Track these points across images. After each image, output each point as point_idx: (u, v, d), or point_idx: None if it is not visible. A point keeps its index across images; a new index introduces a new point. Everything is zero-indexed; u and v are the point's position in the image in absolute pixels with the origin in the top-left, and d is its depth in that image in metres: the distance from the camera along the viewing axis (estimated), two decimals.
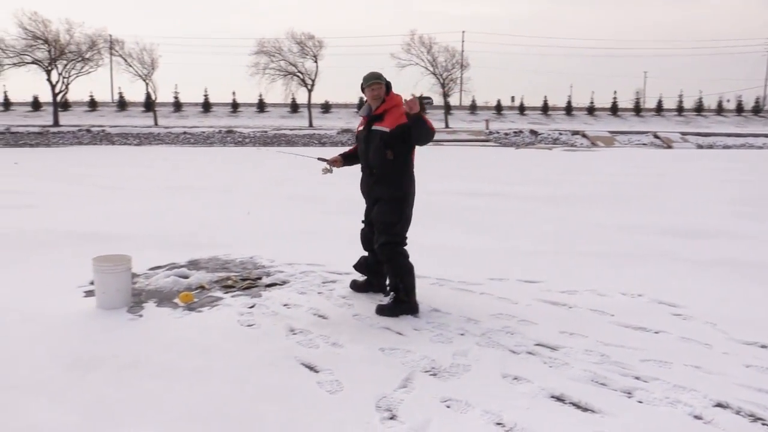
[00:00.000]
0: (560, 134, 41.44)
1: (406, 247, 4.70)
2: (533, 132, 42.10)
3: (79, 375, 3.48)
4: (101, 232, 7.81)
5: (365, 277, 5.09)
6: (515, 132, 42.04)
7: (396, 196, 4.58)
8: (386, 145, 4.48)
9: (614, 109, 54.99)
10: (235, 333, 4.14)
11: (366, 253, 5.01)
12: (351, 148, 5.08)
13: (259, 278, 5.51)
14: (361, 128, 4.73)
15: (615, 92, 56.21)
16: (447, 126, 45.26)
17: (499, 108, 55.23)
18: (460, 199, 11.31)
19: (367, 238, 4.88)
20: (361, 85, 4.57)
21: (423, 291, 5.09)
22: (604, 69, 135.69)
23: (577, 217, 9.27)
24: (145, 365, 3.60)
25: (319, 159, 5.15)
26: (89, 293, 5.05)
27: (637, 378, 3.44)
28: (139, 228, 8.15)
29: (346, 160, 5.00)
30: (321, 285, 5.31)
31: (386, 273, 4.70)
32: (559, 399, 3.21)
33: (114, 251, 6.16)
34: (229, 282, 5.35)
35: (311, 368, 3.56)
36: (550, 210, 10.02)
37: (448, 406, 3.11)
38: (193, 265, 6.02)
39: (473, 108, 54.83)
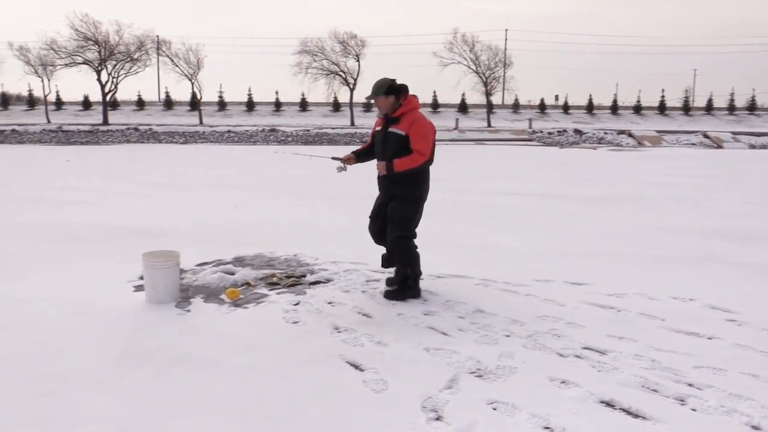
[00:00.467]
0: (605, 133, 40.64)
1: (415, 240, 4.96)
2: (578, 131, 41.38)
3: (131, 367, 3.56)
4: (149, 228, 7.99)
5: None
6: (559, 131, 41.40)
7: (413, 194, 4.78)
8: (403, 148, 4.63)
9: (662, 108, 53.60)
10: (281, 330, 4.17)
11: (380, 247, 5.20)
12: (363, 145, 5.19)
13: (303, 276, 5.54)
14: (378, 128, 4.85)
15: (663, 90, 54.60)
16: (489, 125, 44.89)
17: (542, 107, 54.49)
18: (504, 198, 11.20)
19: (375, 232, 5.08)
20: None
21: (467, 291, 5.07)
22: (652, 66, 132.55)
23: (623, 219, 9.07)
24: (193, 360, 3.66)
25: (333, 158, 5.27)
26: (139, 288, 5.17)
27: (690, 385, 3.34)
28: (185, 224, 8.31)
29: (359, 157, 5.12)
30: (364, 284, 5.31)
31: (396, 262, 4.93)
32: (609, 404, 3.13)
33: (161, 247, 6.30)
34: (274, 279, 5.40)
35: (356, 367, 3.56)
36: (596, 211, 9.83)
37: (495, 409, 3.07)
38: (239, 261, 6.10)
39: (516, 107, 54.24)
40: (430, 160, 4.70)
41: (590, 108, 54.23)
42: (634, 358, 3.72)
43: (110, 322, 4.34)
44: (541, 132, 41.15)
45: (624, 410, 3.07)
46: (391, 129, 4.68)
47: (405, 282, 4.90)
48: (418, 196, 4.81)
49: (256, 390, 3.26)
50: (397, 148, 4.63)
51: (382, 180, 4.89)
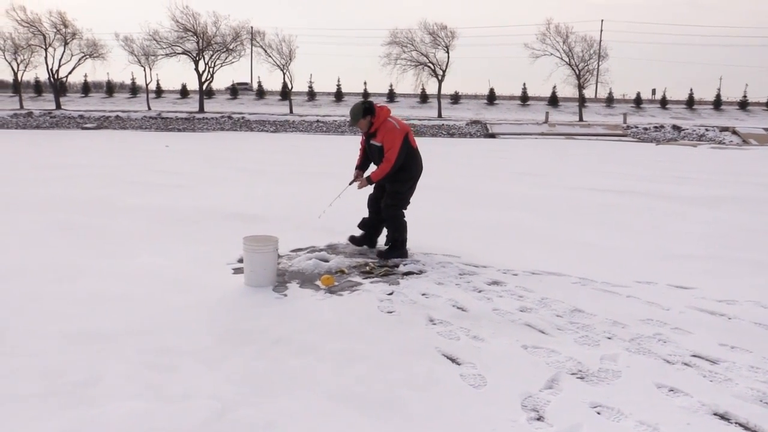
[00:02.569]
0: (707, 130, 38.52)
1: (405, 212, 5.97)
2: (676, 127, 39.45)
3: (232, 347, 3.67)
4: (244, 213, 8.25)
5: (362, 234, 6.20)
6: (656, 127, 39.62)
7: (404, 177, 5.79)
8: (383, 154, 5.63)
9: None
10: (376, 318, 4.20)
11: (367, 216, 6.16)
12: (359, 158, 6.13)
13: (396, 266, 5.55)
14: (364, 140, 5.92)
15: None
16: (581, 119, 43.55)
17: (638, 101, 52.37)
18: (599, 195, 10.81)
19: (372, 202, 6.05)
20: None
21: (564, 289, 4.93)
22: (760, 59, 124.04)
23: (729, 220, 8.55)
24: (291, 343, 3.74)
25: (350, 184, 6.11)
26: (237, 270, 5.34)
27: None
28: (278, 210, 8.52)
29: (363, 169, 6.08)
30: (458, 277, 5.26)
31: (387, 228, 5.94)
32: (724, 417, 2.95)
33: (257, 231, 6.48)
34: (368, 268, 5.44)
35: (453, 360, 3.53)
36: (698, 211, 9.32)
37: (599, 413, 2.95)
38: (332, 249, 6.19)
39: (610, 101, 52.37)
40: (398, 161, 5.63)
41: (690, 103, 51.66)
42: (749, 369, 3.49)
43: (212, 303, 4.51)
44: (636, 127, 39.51)
45: (741, 425, 2.88)
46: (372, 142, 5.74)
47: (395, 244, 5.86)
48: (409, 177, 5.83)
49: (356, 376, 3.29)
50: (381, 155, 5.66)
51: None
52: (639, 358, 3.60)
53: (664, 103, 52.43)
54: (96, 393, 3.07)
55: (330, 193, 6.54)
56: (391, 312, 4.34)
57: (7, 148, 20.72)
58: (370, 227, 6.14)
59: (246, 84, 58.33)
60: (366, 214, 6.19)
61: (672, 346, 3.82)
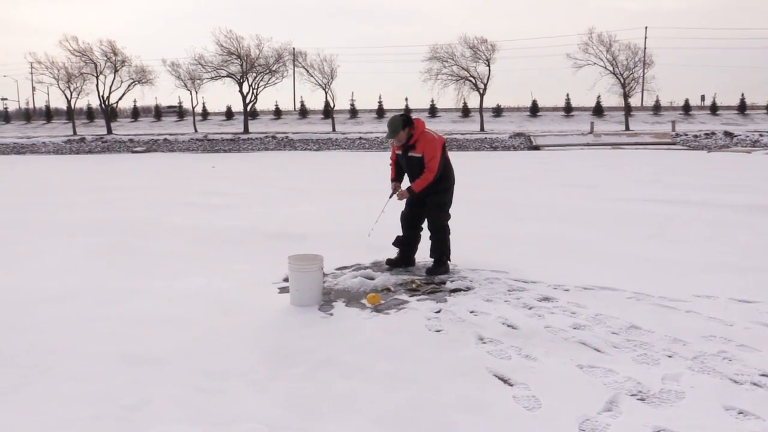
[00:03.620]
0: (761, 136, 37.16)
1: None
2: (728, 134, 38.20)
3: (279, 369, 3.63)
4: (288, 232, 8.26)
5: (398, 253, 6.12)
6: (706, 134, 38.44)
7: (444, 187, 5.87)
8: (423, 165, 5.69)
9: None
10: (424, 338, 4.10)
11: (401, 234, 6.12)
12: (392, 171, 6.16)
13: (443, 283, 5.45)
14: (399, 153, 5.91)
15: None
16: (627, 128, 42.65)
17: (686, 108, 51.02)
18: (651, 206, 10.46)
19: (407, 219, 6.03)
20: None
21: (619, 305, 4.74)
22: None
23: None
24: (338, 364, 3.67)
25: (390, 198, 6.07)
26: (283, 290, 5.32)
27: None
28: (323, 228, 8.51)
29: (399, 181, 6.07)
30: (507, 293, 5.12)
31: (434, 240, 5.88)
32: None
33: (302, 250, 6.46)
34: (414, 285, 5.35)
35: (505, 381, 3.40)
36: (758, 220, 8.91)
37: None
38: (377, 266, 6.12)
39: (657, 109, 51.16)
40: (440, 170, 5.74)
41: (742, 108, 50.07)
42: None
43: (258, 323, 4.49)
44: (686, 135, 38.43)
45: None
46: (410, 154, 5.77)
47: (441, 258, 5.85)
48: (448, 188, 5.93)
49: (405, 398, 3.19)
50: (420, 167, 5.71)
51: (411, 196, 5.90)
52: (703, 378, 3.40)
53: (714, 109, 50.94)
54: (144, 417, 3.05)
55: (374, 209, 6.47)
56: (439, 331, 4.23)
57: (61, 173, 21.43)
58: (406, 245, 6.10)
59: (174, 107, 57.93)
60: (398, 232, 6.15)
61: (738, 364, 3.61)
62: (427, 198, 5.85)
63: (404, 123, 5.70)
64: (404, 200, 6.03)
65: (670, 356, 3.73)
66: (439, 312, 4.63)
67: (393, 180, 6.07)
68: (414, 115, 6.07)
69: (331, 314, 4.66)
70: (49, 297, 5.26)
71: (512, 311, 4.63)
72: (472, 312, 4.62)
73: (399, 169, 6.04)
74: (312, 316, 4.62)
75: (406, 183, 5.91)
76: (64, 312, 4.83)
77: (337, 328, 4.33)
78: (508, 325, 4.32)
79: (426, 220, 5.95)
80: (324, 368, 3.61)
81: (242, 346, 4.02)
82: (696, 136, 38.00)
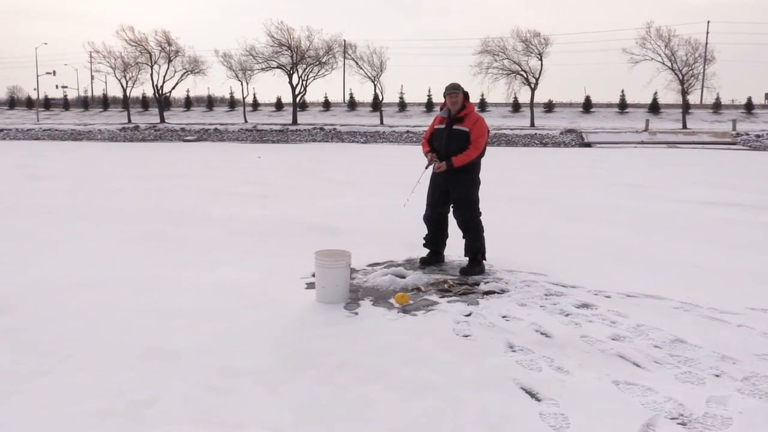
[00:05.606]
0: None
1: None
2: None
3: (296, 369, 3.48)
4: (327, 225, 8.15)
5: (429, 253, 5.94)
6: None
7: (474, 180, 5.66)
8: (466, 141, 5.50)
9: None
10: (451, 343, 3.89)
11: (428, 233, 5.95)
12: (424, 146, 5.88)
13: (477, 284, 5.22)
14: (442, 126, 5.65)
15: None
16: (685, 126, 41.16)
17: (749, 106, 48.84)
18: (706, 209, 9.94)
19: (434, 219, 5.81)
20: (444, 92, 5.62)
21: (663, 315, 4.43)
22: None
23: None
24: (358, 367, 3.50)
25: (426, 168, 5.87)
26: (310, 285, 5.18)
27: None
28: (361, 222, 8.37)
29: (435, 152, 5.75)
30: (543, 297, 4.85)
31: (469, 238, 5.65)
32: None
33: (337, 244, 6.34)
34: (446, 286, 5.13)
35: (532, 395, 3.17)
36: None
37: None
38: (410, 264, 5.93)
39: (717, 107, 49.16)
40: (482, 154, 5.59)
41: None
42: None
43: (282, 319, 4.36)
44: (747, 135, 36.80)
45: None
46: (456, 127, 5.56)
47: (476, 257, 5.62)
48: (478, 181, 5.71)
49: (423, 408, 3.00)
50: (462, 142, 5.51)
51: (443, 174, 5.62)
52: (754, 403, 3.09)
53: None
54: (150, 415, 2.95)
55: (415, 204, 6.30)
56: (467, 336, 4.01)
57: (114, 160, 21.93)
58: (435, 244, 5.94)
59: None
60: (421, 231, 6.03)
61: None
62: (454, 192, 5.64)
63: (464, 92, 5.60)
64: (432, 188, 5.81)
65: (717, 375, 3.42)
66: (469, 315, 4.41)
67: (428, 152, 5.78)
68: None
69: (356, 313, 4.49)
70: (81, 284, 5.27)
71: (547, 318, 4.37)
72: (504, 317, 4.38)
73: (432, 148, 5.78)
74: (336, 314, 4.47)
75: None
76: (93, 300, 4.82)
77: (360, 328, 4.16)
78: (542, 333, 4.07)
79: (456, 219, 5.72)
80: (341, 371, 3.45)
81: (261, 342, 3.90)
82: (758, 136, 36.34)
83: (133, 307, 4.66)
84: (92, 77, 69.72)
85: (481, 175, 5.76)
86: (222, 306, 4.66)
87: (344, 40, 47.70)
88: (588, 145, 36.19)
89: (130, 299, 4.85)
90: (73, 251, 6.58)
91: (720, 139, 36.17)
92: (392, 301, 4.76)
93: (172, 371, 3.45)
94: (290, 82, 46.06)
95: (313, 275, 5.35)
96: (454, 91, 5.55)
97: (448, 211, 5.82)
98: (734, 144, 35.40)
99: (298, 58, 45.12)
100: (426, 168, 5.86)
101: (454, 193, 5.66)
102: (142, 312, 4.53)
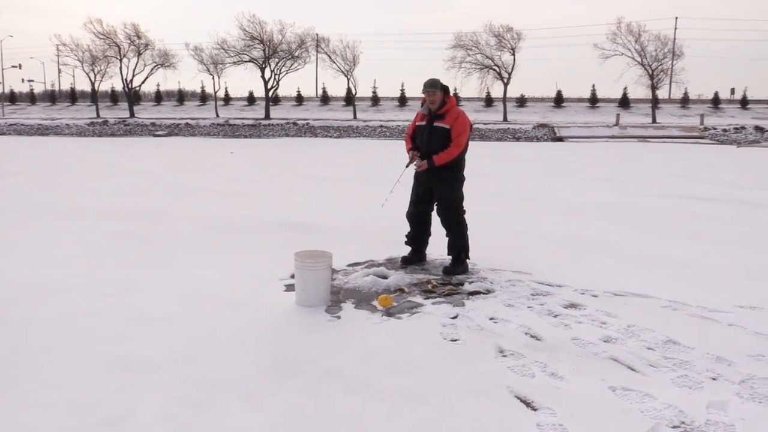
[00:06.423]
0: None
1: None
2: (759, 128, 37.11)
3: (278, 380, 3.30)
4: (302, 222, 7.95)
5: (410, 251, 5.77)
6: (736, 128, 37.40)
7: (457, 177, 5.48)
8: (447, 139, 5.30)
9: None
10: (439, 348, 3.73)
11: (410, 231, 5.77)
12: (406, 143, 5.69)
13: (461, 284, 5.08)
14: (423, 123, 5.46)
15: None
16: (654, 121, 41.68)
17: (716, 101, 49.73)
18: (686, 204, 9.95)
19: (413, 218, 5.67)
20: (422, 89, 5.41)
21: (653, 315, 4.34)
22: None
23: None
24: (344, 376, 3.33)
25: (407, 166, 5.68)
26: (289, 287, 5.00)
27: None
28: (338, 219, 8.19)
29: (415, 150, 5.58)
30: (530, 298, 4.73)
31: (452, 236, 5.51)
32: None
33: (315, 243, 6.16)
34: (429, 286, 4.98)
35: (527, 404, 3.03)
36: None
37: None
38: (391, 263, 5.77)
39: (685, 101, 49.94)
40: (465, 150, 5.40)
41: None
42: None
43: (261, 325, 4.16)
44: (715, 129, 37.45)
45: None
46: (437, 123, 5.36)
47: (460, 256, 5.48)
48: (462, 178, 5.55)
49: (413, 422, 2.84)
50: (443, 140, 5.32)
51: (425, 172, 5.43)
52: (754, 408, 3.00)
53: (744, 102, 49.57)
54: None
55: (393, 199, 6.12)
56: (455, 340, 3.87)
57: (82, 156, 21.35)
58: (417, 242, 5.78)
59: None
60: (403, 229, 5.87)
61: None
62: (437, 191, 5.49)
63: (443, 87, 5.37)
64: (413, 186, 5.64)
65: (714, 378, 3.33)
66: (455, 318, 4.27)
67: (410, 149, 5.61)
68: None
69: (339, 317, 4.32)
70: (50, 288, 5.01)
71: (536, 319, 4.25)
72: (491, 319, 4.25)
73: (414, 145, 5.61)
74: (318, 318, 4.29)
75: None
76: (63, 306, 4.56)
77: (344, 333, 3.99)
78: (532, 336, 3.95)
79: (439, 217, 5.57)
80: (327, 381, 3.28)
81: (240, 351, 3.70)
82: (725, 130, 37.01)
83: (103, 313, 4.42)
84: (59, 71, 68.19)
85: None
86: (198, 310, 4.45)
87: (317, 34, 47.32)
88: (560, 139, 36.44)
89: (101, 304, 4.61)
90: (40, 253, 6.28)
91: (689, 134, 36.73)
92: (375, 303, 4.60)
93: (146, 384, 3.24)
94: (262, 76, 45.56)
95: (292, 276, 5.16)
96: (431, 89, 5.35)
97: (432, 209, 5.67)
98: (702, 138, 35.99)
99: (270, 51, 44.63)
100: (407, 167, 5.69)
101: (437, 191, 5.51)
102: (114, 318, 4.29)
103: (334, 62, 46.09)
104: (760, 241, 7.05)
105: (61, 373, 3.41)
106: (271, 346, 3.80)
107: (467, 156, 5.56)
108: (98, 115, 46.85)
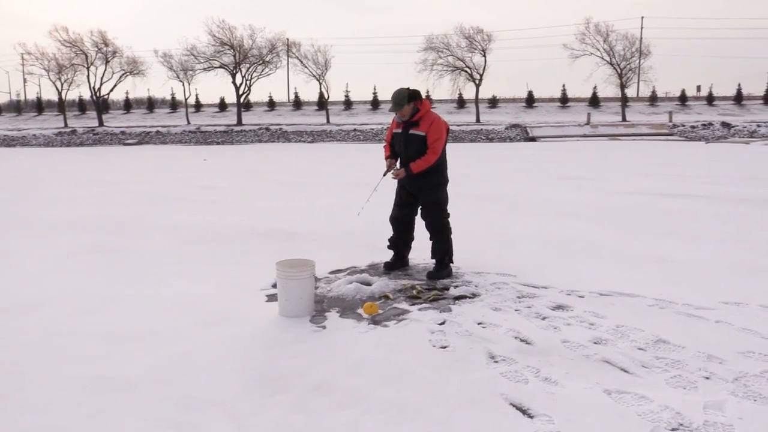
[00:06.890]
0: (758, 126, 36.81)
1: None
2: (725, 124, 37.81)
3: (266, 396, 3.18)
4: (280, 230, 7.82)
5: (393, 256, 5.71)
6: (704, 125, 38.03)
7: (440, 181, 5.40)
8: (424, 145, 5.21)
9: None
10: (429, 356, 3.65)
11: (393, 235, 5.70)
12: (385, 150, 5.62)
13: (446, 289, 5.00)
14: (399, 130, 5.38)
15: None
16: (624, 119, 42.23)
17: (683, 99, 50.53)
18: (663, 200, 10.02)
19: (396, 221, 5.60)
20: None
21: (641, 314, 4.32)
22: None
23: None
24: (333, 390, 3.23)
25: (384, 175, 5.60)
26: (271, 297, 4.87)
27: None
28: (316, 225, 8.07)
29: (396, 158, 5.53)
30: (516, 300, 4.68)
31: (436, 240, 5.43)
32: None
33: (294, 250, 6.04)
34: (414, 292, 4.90)
35: (523, 411, 2.96)
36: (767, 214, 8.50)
37: None
38: (374, 269, 5.68)
39: (653, 99, 50.68)
40: (442, 156, 5.32)
41: (739, 99, 49.63)
42: None
43: (244, 338, 4.04)
44: (683, 126, 38.04)
45: None
46: (412, 131, 5.26)
47: (443, 260, 5.41)
48: (445, 182, 5.47)
49: None
50: (420, 147, 5.23)
51: (406, 178, 5.36)
52: (751, 406, 2.97)
53: (710, 99, 50.48)
54: None
55: (371, 204, 6.01)
56: (445, 347, 3.78)
57: (51, 167, 20.87)
58: (400, 246, 5.70)
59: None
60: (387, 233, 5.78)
61: None
62: (421, 195, 5.42)
63: (410, 97, 5.21)
64: (394, 190, 5.58)
65: (707, 377, 3.30)
66: (443, 324, 4.19)
67: (388, 157, 5.53)
68: None
69: (324, 327, 4.21)
70: (21, 305, 4.82)
71: (524, 322, 4.19)
72: (480, 324, 4.18)
73: (393, 151, 5.53)
74: (303, 329, 4.17)
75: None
76: (34, 324, 4.38)
77: (330, 344, 3.88)
78: (521, 340, 3.89)
79: (423, 221, 5.49)
80: (316, 395, 3.17)
81: (224, 366, 3.57)
82: (693, 127, 37.61)
83: (77, 330, 4.25)
84: (24, 80, 66.48)
85: None
86: (177, 325, 4.30)
87: (287, 39, 47.00)
88: (533, 139, 36.70)
89: (74, 321, 4.44)
90: (11, 269, 6.07)
91: (658, 131, 37.26)
92: (360, 311, 4.50)
93: (126, 406, 3.10)
94: (233, 82, 45.11)
95: (273, 286, 5.05)
96: (396, 108, 5.23)
97: (416, 212, 5.60)
98: (671, 135, 36.53)
99: (240, 57, 44.22)
100: (384, 175, 5.60)
101: (421, 197, 5.44)
102: (89, 336, 4.13)
103: (305, 67, 45.85)
104: (736, 236, 7.11)
105: (32, 396, 3.25)
106: (256, 360, 3.68)
107: (451, 154, 5.49)
108: (66, 125, 45.92)
